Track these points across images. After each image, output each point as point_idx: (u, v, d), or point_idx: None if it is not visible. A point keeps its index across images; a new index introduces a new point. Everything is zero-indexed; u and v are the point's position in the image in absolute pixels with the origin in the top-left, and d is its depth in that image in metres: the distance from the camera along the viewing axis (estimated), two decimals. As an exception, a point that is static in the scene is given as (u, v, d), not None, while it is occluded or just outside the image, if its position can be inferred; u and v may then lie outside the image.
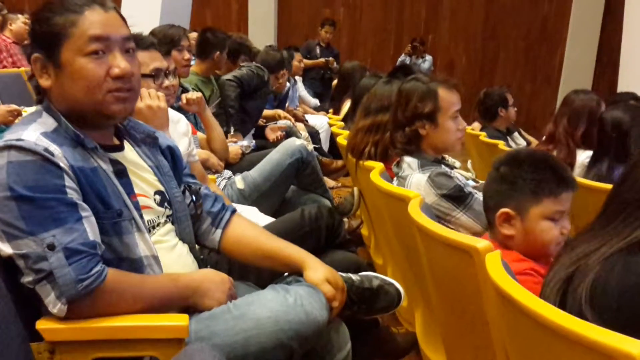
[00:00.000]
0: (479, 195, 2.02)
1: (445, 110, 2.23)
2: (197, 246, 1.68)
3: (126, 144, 1.54)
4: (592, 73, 9.61)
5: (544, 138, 3.53)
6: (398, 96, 2.31)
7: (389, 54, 9.97)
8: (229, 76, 4.17)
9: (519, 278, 1.50)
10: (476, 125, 4.93)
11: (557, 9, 9.71)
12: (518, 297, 1.04)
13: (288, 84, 5.63)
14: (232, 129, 4.02)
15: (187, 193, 1.66)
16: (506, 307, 1.11)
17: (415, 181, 2.14)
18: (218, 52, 4.22)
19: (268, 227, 1.94)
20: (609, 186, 1.31)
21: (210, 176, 2.78)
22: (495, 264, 1.21)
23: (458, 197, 2.08)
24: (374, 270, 2.01)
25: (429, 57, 8.91)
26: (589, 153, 3.03)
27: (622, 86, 6.30)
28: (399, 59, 8.83)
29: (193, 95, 2.98)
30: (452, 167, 2.34)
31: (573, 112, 3.29)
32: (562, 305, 1.12)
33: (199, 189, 1.71)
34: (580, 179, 2.47)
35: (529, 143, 4.77)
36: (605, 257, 1.11)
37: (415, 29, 9.95)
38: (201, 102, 2.99)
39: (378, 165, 2.33)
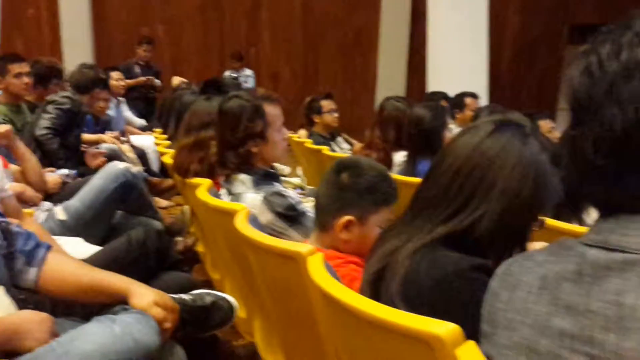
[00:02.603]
0: (309, 212, 2.08)
1: (272, 124, 2.28)
2: (14, 287, 1.57)
3: None
4: (405, 77, 10.28)
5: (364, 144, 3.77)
6: (223, 116, 2.30)
7: (215, 69, 9.95)
8: (42, 131, 3.92)
9: (345, 269, 1.58)
10: (303, 132, 5.08)
11: (368, 20, 10.26)
12: (337, 295, 1.09)
13: (112, 106, 5.42)
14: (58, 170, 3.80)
15: (-4, 232, 1.55)
16: (330, 306, 1.16)
17: (249, 200, 2.17)
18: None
19: (93, 257, 1.87)
20: (419, 180, 1.39)
21: (27, 210, 2.60)
22: (317, 266, 1.26)
23: (292, 216, 2.13)
24: (212, 287, 2.00)
25: (249, 71, 8.99)
26: (404, 152, 3.26)
27: (432, 87, 6.82)
28: (225, 74, 8.83)
29: (1, 129, 2.79)
30: (282, 175, 2.39)
31: (384, 118, 3.57)
32: (377, 298, 1.18)
33: (9, 226, 1.60)
34: (396, 175, 2.63)
35: (352, 146, 5.00)
36: (412, 252, 1.18)
37: (236, 43, 10.02)
38: (9, 135, 2.80)
39: (205, 182, 2.32)
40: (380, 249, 1.26)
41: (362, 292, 1.24)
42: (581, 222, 0.84)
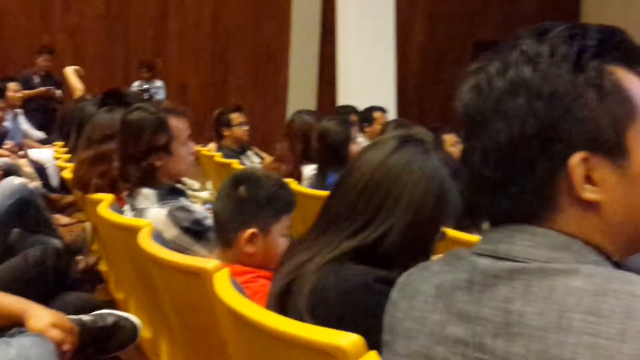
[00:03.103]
0: None
1: (177, 138, 2.24)
2: None
3: None
4: (316, 90, 10.38)
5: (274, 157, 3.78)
6: (125, 128, 2.24)
7: (119, 80, 9.68)
8: None
9: (255, 284, 1.56)
10: (212, 145, 5.02)
11: (278, 32, 10.31)
12: (244, 311, 1.08)
13: (8, 118, 5.17)
14: None
15: None
16: (237, 322, 1.14)
17: (154, 215, 2.11)
18: None
19: (-15, 279, 1.76)
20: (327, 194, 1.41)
21: None
22: (224, 283, 1.24)
23: (198, 231, 2.09)
24: (116, 307, 1.93)
25: (160, 82, 8.83)
26: (314, 166, 3.29)
27: (342, 100, 6.93)
28: (135, 85, 8.60)
29: None
30: (191, 189, 2.35)
31: (293, 131, 3.62)
32: (284, 312, 1.18)
33: None
34: (305, 189, 2.65)
35: (262, 160, 4.98)
36: (320, 266, 1.19)
37: (142, 53, 9.81)
38: None
39: (107, 197, 2.24)
40: (288, 263, 1.26)
41: (269, 306, 1.23)
42: (481, 232, 0.87)
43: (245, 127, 4.87)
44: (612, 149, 0.72)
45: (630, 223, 0.74)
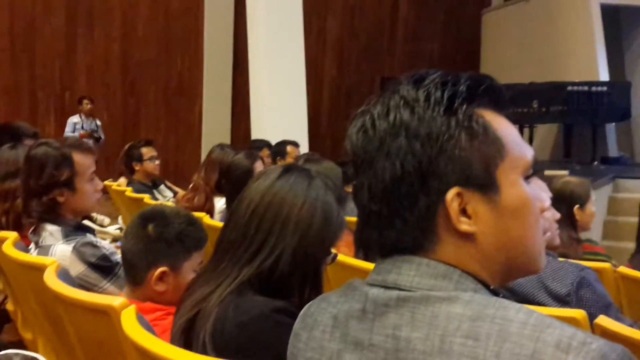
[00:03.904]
0: None
1: (81, 174, 2.20)
2: None
3: None
4: (230, 122, 10.39)
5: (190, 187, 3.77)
6: (29, 163, 2.20)
7: (25, 113, 9.35)
8: None
9: (166, 322, 1.56)
10: (122, 180, 4.92)
11: (190, 64, 10.29)
12: (152, 348, 1.09)
13: None
14: None
15: None
16: (144, 358, 1.15)
17: (59, 252, 2.06)
18: None
19: None
20: None
21: None
22: (131, 320, 1.24)
23: (105, 266, 2.05)
24: (24, 347, 1.86)
25: (99, 122, 8.58)
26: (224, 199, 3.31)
27: (255, 134, 6.97)
28: (71, 121, 8.31)
29: None
30: (101, 225, 2.31)
31: (209, 162, 3.65)
32: (189, 347, 1.20)
33: None
34: (216, 222, 2.66)
35: (175, 193, 4.93)
36: (221, 299, 1.22)
37: (49, 86, 9.53)
38: None
39: (11, 235, 2.18)
40: (190, 298, 1.28)
41: (172, 341, 1.25)
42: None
43: (157, 162, 4.82)
44: (484, 185, 0.78)
45: (503, 252, 0.80)
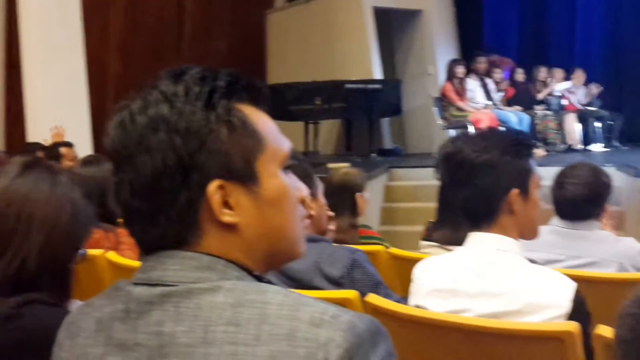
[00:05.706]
0: None
1: None
2: None
3: None
4: (3, 127, 9.50)
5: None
6: None
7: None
8: None
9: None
10: None
11: None
12: None
13: None
14: None
15: None
16: None
17: None
18: None
19: None
20: None
21: None
22: None
23: None
24: None
25: None
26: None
27: (32, 136, 6.48)
28: None
29: None
30: None
31: None
32: None
33: None
34: None
35: None
36: None
37: None
38: None
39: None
40: None
41: None
42: None
43: None
44: (244, 177, 0.81)
45: (265, 240, 0.83)
